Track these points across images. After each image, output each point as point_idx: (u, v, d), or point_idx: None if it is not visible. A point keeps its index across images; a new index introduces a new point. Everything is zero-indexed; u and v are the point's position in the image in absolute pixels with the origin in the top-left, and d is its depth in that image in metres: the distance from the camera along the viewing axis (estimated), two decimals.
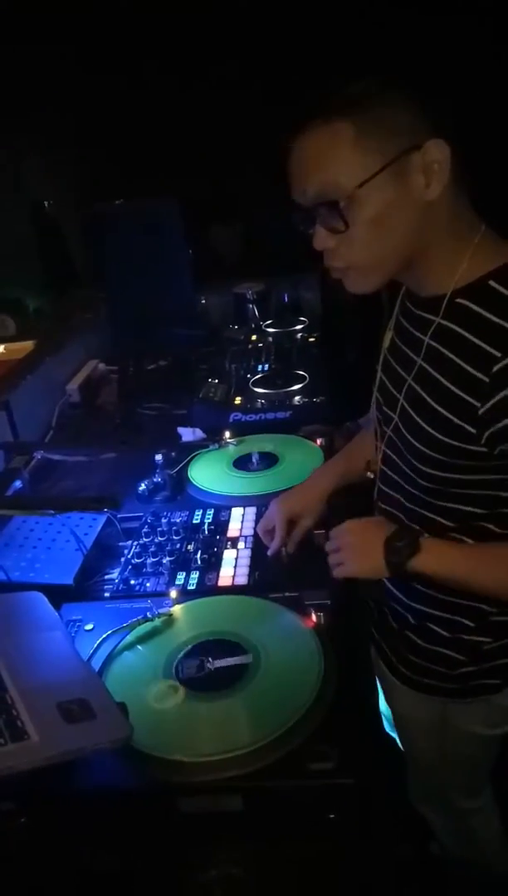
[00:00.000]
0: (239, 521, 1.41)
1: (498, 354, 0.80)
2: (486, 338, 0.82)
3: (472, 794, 1.24)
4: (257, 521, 1.40)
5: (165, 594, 1.20)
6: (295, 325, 2.54)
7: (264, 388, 2.02)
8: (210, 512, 1.45)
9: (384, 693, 1.27)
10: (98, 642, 1.09)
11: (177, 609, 1.16)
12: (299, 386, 2.00)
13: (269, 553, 1.27)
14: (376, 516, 1.09)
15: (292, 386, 2.01)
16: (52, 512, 1.34)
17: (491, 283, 0.83)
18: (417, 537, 0.93)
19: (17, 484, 1.57)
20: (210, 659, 1.03)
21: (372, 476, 1.12)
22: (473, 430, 0.84)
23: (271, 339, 2.46)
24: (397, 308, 1.03)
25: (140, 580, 1.27)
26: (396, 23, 2.91)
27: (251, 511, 1.44)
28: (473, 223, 0.87)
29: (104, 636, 1.10)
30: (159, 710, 0.95)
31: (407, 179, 0.81)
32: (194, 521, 1.42)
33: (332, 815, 0.87)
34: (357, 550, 0.99)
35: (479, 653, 1.02)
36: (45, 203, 3.43)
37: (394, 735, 1.35)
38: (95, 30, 3.00)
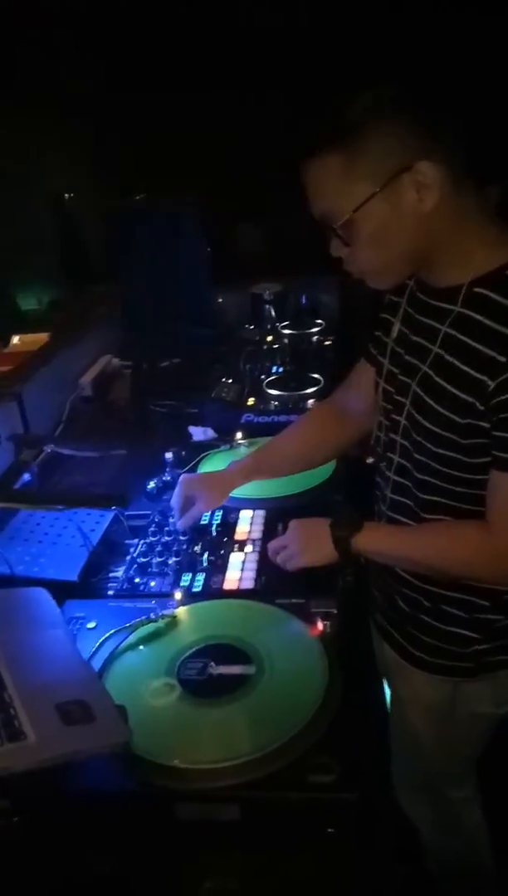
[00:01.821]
0: (248, 524, 1.39)
1: None
2: (506, 323, 0.85)
3: (461, 782, 1.27)
4: (265, 525, 1.39)
5: (169, 595, 1.18)
6: (312, 328, 2.52)
7: (278, 390, 2.01)
8: (218, 513, 1.43)
9: (391, 682, 1.28)
10: (100, 641, 1.07)
11: (181, 611, 1.14)
12: (314, 389, 1.98)
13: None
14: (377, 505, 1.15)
15: (306, 389, 1.99)
16: (60, 507, 1.32)
17: None
18: (359, 518, 1.04)
19: (26, 477, 1.56)
20: (213, 664, 1.01)
21: (371, 461, 1.18)
22: (482, 408, 0.88)
23: (286, 340, 2.45)
24: (404, 300, 1.06)
25: (145, 580, 1.26)
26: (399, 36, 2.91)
27: (260, 514, 1.42)
28: (483, 219, 0.92)
29: (106, 635, 1.08)
30: (156, 708, 0.94)
31: (400, 197, 0.86)
32: (202, 522, 1.41)
33: (331, 830, 0.86)
34: (306, 541, 1.08)
35: (492, 630, 1.06)
36: (66, 196, 3.43)
37: None
38: (120, 24, 3.00)
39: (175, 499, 1.32)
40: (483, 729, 1.20)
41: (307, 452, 1.32)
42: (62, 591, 1.21)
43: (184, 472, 1.56)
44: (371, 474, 1.19)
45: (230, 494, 1.42)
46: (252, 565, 1.26)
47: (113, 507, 1.35)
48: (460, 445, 0.93)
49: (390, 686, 1.27)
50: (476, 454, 0.92)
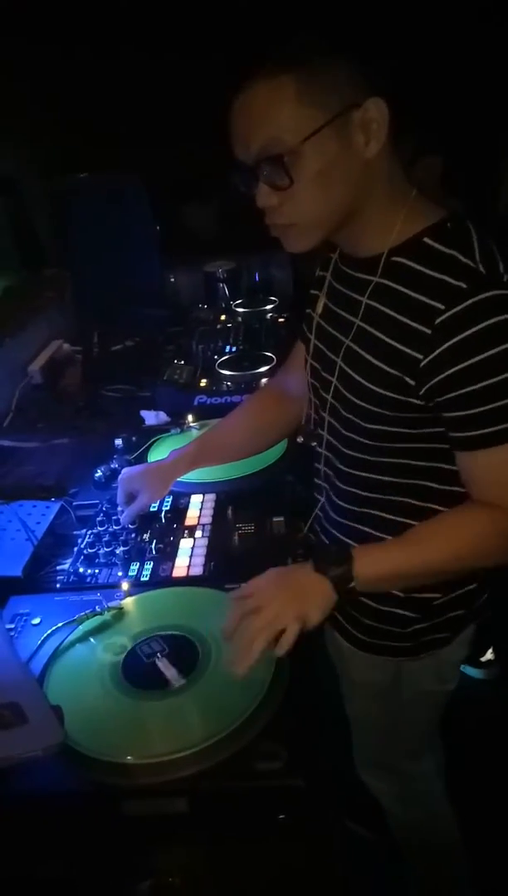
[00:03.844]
0: (198, 509, 1.37)
1: (441, 307, 0.81)
2: (427, 292, 0.83)
3: (419, 757, 1.27)
4: (215, 509, 1.36)
5: (116, 586, 1.16)
6: (265, 305, 2.49)
7: (231, 370, 1.97)
8: (168, 499, 1.40)
9: (338, 664, 1.26)
10: (42, 638, 1.04)
11: (128, 602, 1.12)
12: (267, 368, 1.95)
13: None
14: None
15: (259, 368, 1.96)
16: (1, 500, 1.28)
17: (426, 240, 0.86)
18: (342, 549, 0.91)
19: None
20: (159, 655, 0.99)
21: (301, 441, 1.14)
22: (412, 383, 0.85)
23: (240, 318, 2.41)
24: (329, 273, 1.03)
25: (92, 571, 1.22)
26: None
27: (211, 498, 1.39)
28: (404, 185, 0.89)
29: (49, 632, 1.05)
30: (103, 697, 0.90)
31: (348, 136, 0.82)
32: (152, 509, 1.37)
33: (282, 817, 0.85)
34: (297, 596, 0.87)
35: (430, 608, 1.05)
36: (12, 178, 3.31)
37: None
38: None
39: (119, 496, 1.29)
40: (431, 706, 1.20)
41: (251, 438, 1.30)
42: (7, 587, 1.17)
43: (133, 459, 1.54)
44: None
45: (181, 479, 1.40)
46: (201, 551, 1.24)
47: (53, 498, 1.31)
48: (389, 419, 0.90)
49: (339, 669, 1.26)
50: (413, 426, 0.90)
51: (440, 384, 0.83)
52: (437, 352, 0.81)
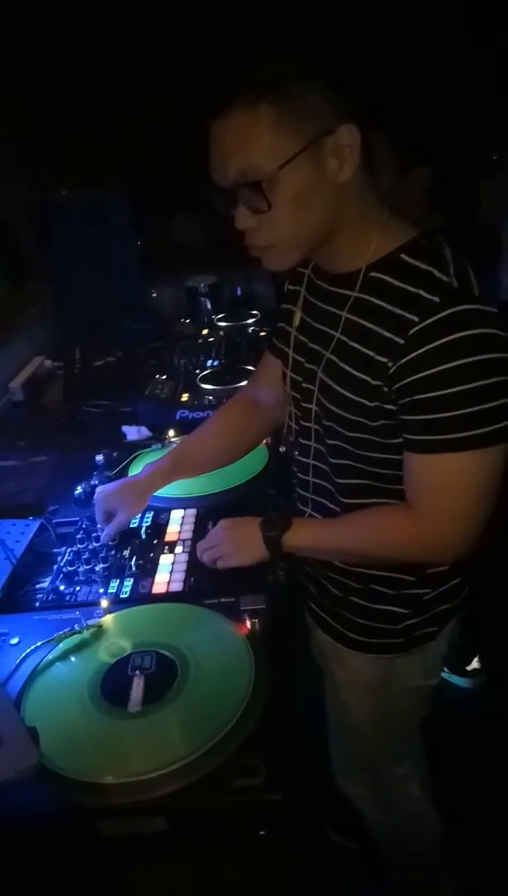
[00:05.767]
0: (178, 524, 1.37)
1: (416, 319, 0.84)
2: (403, 305, 0.86)
3: (401, 758, 1.28)
4: (196, 524, 1.36)
5: (96, 603, 1.15)
6: (247, 319, 2.50)
7: (212, 384, 1.98)
8: (149, 515, 1.40)
9: (324, 666, 1.27)
10: (20, 658, 1.03)
11: (107, 619, 1.11)
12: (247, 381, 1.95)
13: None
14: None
15: (240, 382, 1.97)
16: None
17: (402, 256, 0.89)
18: (289, 516, 1.04)
19: None
20: (138, 672, 0.99)
21: (284, 451, 1.17)
22: (386, 389, 0.88)
23: (222, 333, 2.42)
24: (303, 288, 1.06)
25: (72, 589, 1.22)
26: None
27: (192, 513, 1.40)
28: (379, 204, 0.93)
29: (26, 652, 1.04)
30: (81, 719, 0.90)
31: (322, 161, 0.85)
32: (132, 525, 1.37)
33: (262, 832, 0.84)
34: (236, 540, 1.07)
35: (420, 604, 1.08)
36: None
37: None
38: (37, 12, 2.89)
39: (97, 514, 1.28)
40: (417, 702, 1.22)
41: (223, 448, 1.31)
42: None
43: (113, 475, 1.54)
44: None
45: (161, 494, 1.39)
46: (182, 567, 1.24)
47: (33, 516, 1.31)
48: (370, 428, 0.93)
49: (325, 671, 1.27)
50: (389, 435, 0.92)
51: (404, 388, 0.86)
52: (406, 358, 0.85)
